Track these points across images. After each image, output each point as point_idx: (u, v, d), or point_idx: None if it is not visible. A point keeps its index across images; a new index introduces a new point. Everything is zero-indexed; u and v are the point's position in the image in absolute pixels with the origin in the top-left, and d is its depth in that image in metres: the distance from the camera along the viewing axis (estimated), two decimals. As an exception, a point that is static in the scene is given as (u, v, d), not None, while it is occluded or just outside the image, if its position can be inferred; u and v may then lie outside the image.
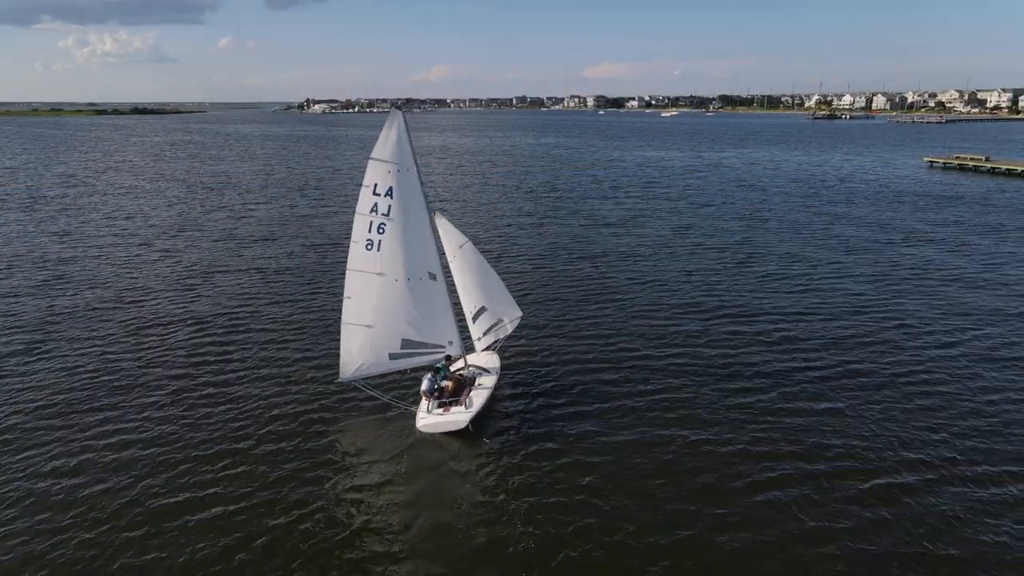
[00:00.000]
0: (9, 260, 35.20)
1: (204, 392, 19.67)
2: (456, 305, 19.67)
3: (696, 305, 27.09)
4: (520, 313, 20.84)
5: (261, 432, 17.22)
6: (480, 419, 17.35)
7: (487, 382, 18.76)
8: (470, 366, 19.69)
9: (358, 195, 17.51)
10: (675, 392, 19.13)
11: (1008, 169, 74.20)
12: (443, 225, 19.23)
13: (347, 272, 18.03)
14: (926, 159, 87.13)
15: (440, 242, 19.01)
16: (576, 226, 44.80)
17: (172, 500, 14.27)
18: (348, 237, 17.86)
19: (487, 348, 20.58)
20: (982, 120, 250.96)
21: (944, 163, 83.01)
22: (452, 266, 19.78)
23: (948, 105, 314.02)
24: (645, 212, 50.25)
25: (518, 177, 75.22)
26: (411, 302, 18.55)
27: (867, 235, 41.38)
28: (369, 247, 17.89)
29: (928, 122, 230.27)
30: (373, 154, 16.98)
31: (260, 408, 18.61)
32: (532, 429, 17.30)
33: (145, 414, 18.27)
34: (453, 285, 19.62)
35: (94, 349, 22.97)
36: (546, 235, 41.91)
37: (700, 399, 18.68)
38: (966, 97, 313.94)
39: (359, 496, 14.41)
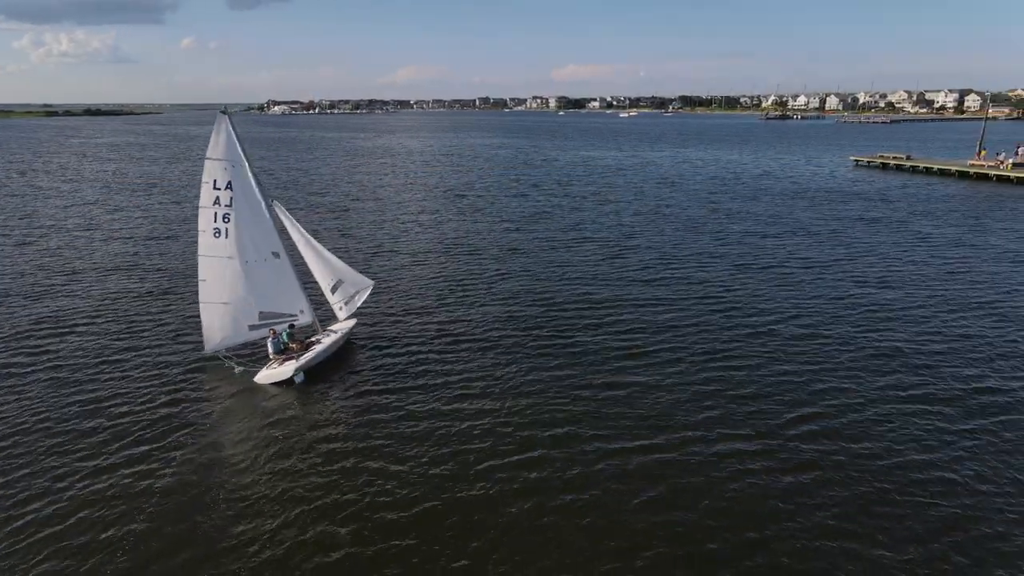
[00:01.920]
0: None
1: (69, 374, 22.01)
2: (308, 280, 22.84)
3: (547, 294, 30.02)
4: (371, 282, 24.31)
5: (125, 400, 20.00)
6: (314, 372, 20.82)
7: (326, 341, 22.17)
8: (326, 330, 23.15)
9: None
10: (492, 373, 21.42)
11: (925, 167, 79.16)
12: (282, 213, 22.31)
13: (199, 258, 21.13)
14: (852, 158, 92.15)
15: (281, 225, 22.08)
16: (472, 223, 47.69)
17: (32, 459, 16.96)
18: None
19: (348, 316, 23.95)
20: (928, 120, 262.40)
21: (868, 161, 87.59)
22: (300, 247, 23.02)
23: (898, 105, 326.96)
24: (547, 210, 53.55)
25: (442, 176, 78.24)
26: (261, 279, 21.77)
27: (747, 229, 45.15)
28: (217, 235, 20.92)
29: (874, 122, 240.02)
30: (207, 154, 20.09)
31: (124, 380, 21.32)
32: (361, 384, 20.56)
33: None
34: (298, 262, 22.88)
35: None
36: (439, 232, 44.60)
37: (517, 378, 21.08)
38: (915, 98, 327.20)
39: (196, 441, 17.45)
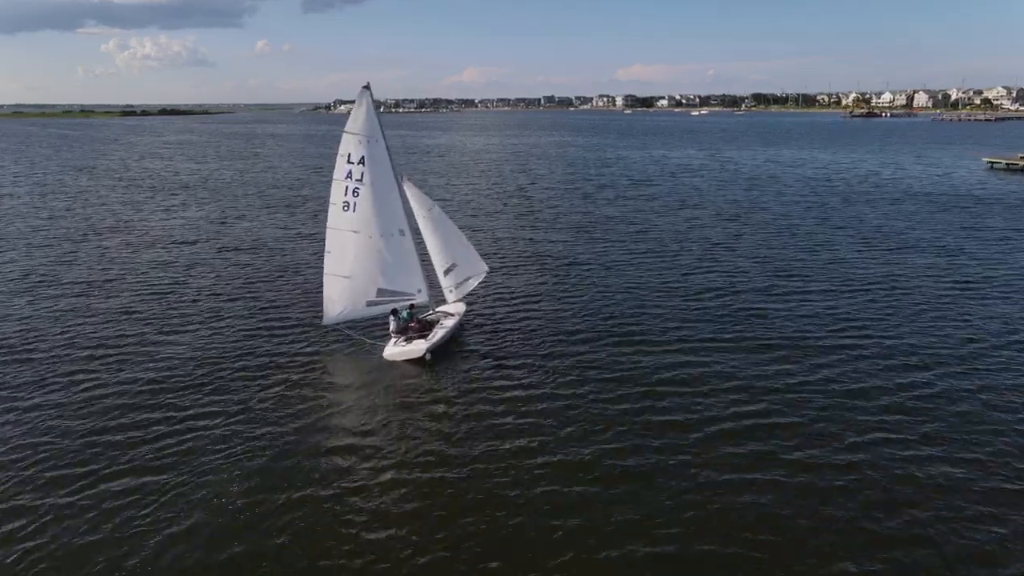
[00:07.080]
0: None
1: (200, 342, 23.94)
2: (425, 259, 23.82)
3: (604, 284, 30.30)
4: (486, 268, 25.08)
5: (254, 366, 21.48)
6: (438, 351, 21.57)
7: (448, 323, 23.05)
8: (437, 311, 23.91)
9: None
10: (584, 358, 21.81)
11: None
12: (412, 190, 23.30)
13: (327, 230, 22.33)
14: (986, 159, 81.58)
15: (408, 204, 23.12)
16: (533, 221, 47.49)
17: (167, 427, 17.96)
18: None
19: (457, 300, 24.70)
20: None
21: (1007, 164, 76.94)
22: (422, 226, 23.76)
23: (995, 102, 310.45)
24: (604, 206, 54.10)
25: (500, 175, 78.23)
26: (383, 255, 22.80)
27: (851, 239, 40.39)
28: (346, 208, 22.15)
29: (976, 120, 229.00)
30: (346, 128, 21.34)
31: (254, 348, 22.93)
32: (481, 366, 21.32)
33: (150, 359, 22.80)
34: (422, 241, 23.72)
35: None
36: (499, 230, 44.19)
37: (601, 366, 21.12)
38: (1014, 94, 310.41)
39: (331, 411, 18.54)
